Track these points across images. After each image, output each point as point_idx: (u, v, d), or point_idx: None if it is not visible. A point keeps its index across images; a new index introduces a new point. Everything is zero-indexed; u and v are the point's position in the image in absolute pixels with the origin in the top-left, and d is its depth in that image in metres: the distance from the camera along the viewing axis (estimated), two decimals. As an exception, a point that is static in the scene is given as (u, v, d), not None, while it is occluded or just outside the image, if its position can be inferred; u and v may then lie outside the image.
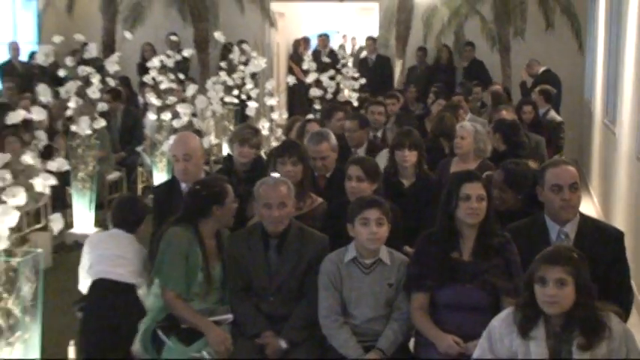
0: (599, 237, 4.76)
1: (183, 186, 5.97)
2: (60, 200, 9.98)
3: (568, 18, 14.97)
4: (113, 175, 11.62)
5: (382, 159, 6.79)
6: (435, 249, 4.69)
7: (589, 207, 11.13)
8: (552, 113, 11.28)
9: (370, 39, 16.79)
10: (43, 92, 6.65)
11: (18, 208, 4.97)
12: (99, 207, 10.23)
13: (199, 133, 9.08)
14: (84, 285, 5.69)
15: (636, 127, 8.04)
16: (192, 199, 5.18)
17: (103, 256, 5.60)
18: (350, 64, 14.30)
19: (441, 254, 4.66)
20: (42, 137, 5.84)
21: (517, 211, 5.41)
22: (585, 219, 4.88)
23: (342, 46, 18.49)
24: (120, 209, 5.84)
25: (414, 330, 4.79)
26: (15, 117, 5.69)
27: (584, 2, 15.17)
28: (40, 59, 7.91)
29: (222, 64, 12.80)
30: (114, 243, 5.68)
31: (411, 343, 4.89)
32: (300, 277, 4.95)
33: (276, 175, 5.40)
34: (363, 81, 13.56)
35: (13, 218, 4.91)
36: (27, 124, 9.13)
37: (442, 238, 4.70)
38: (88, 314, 5.52)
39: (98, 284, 5.52)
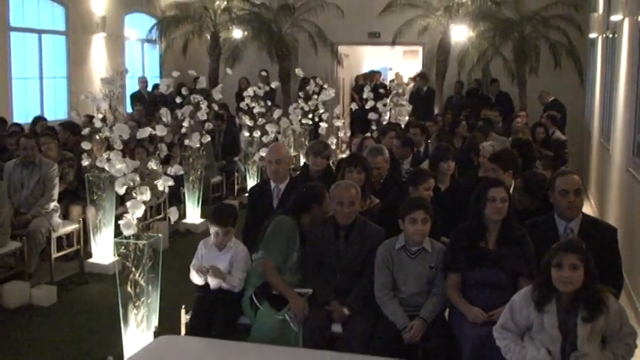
0: (598, 232, 4.66)
1: (273, 185, 5.96)
2: (175, 197, 10.11)
3: (572, 59, 14.91)
4: (216, 179, 11.72)
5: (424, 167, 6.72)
6: (466, 239, 4.64)
7: (587, 208, 10.86)
8: (558, 133, 11.11)
9: (424, 75, 16.32)
10: (164, 114, 6.71)
11: (144, 202, 5.04)
12: (204, 203, 10.33)
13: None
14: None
15: (625, 145, 7.92)
16: (300, 198, 5.19)
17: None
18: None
19: (471, 244, 4.60)
20: (163, 149, 5.88)
21: (533, 211, 5.31)
22: (586, 217, 4.79)
23: (399, 84, 18.18)
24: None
25: (448, 303, 4.72)
26: (143, 133, 5.76)
27: (585, 47, 14.95)
28: (162, 89, 7.99)
29: (301, 93, 12.82)
30: None
31: (446, 314, 4.83)
32: (362, 259, 4.91)
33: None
34: (409, 108, 13.48)
35: (140, 210, 4.98)
36: (152, 139, 9.28)
37: (472, 231, 4.65)
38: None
39: None
